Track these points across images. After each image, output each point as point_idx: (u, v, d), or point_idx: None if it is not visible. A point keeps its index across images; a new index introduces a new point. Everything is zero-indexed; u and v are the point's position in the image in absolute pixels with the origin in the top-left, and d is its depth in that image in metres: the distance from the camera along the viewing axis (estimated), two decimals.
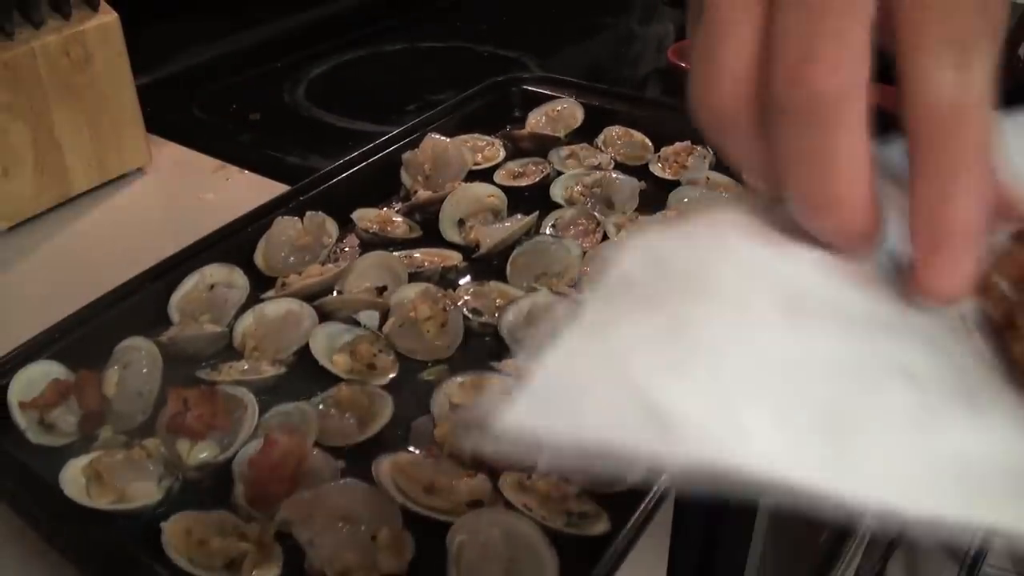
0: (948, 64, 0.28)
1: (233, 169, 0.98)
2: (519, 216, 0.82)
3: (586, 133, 0.96)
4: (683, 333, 0.30)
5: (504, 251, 0.78)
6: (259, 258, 0.77)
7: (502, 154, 0.93)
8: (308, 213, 0.80)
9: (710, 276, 0.32)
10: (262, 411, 0.62)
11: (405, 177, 0.89)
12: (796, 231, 0.33)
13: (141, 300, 0.71)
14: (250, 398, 0.62)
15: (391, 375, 0.67)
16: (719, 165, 0.90)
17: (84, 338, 0.67)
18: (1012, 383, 0.32)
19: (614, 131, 0.96)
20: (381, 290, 0.74)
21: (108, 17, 0.88)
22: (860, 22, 0.28)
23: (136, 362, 0.65)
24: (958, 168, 0.29)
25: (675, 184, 0.87)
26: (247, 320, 0.71)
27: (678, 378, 0.28)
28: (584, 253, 0.77)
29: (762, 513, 0.75)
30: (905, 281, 0.32)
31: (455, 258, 0.79)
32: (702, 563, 0.71)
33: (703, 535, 0.70)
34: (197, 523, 0.54)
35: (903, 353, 0.31)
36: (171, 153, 1.02)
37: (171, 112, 1.11)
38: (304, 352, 0.68)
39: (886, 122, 0.31)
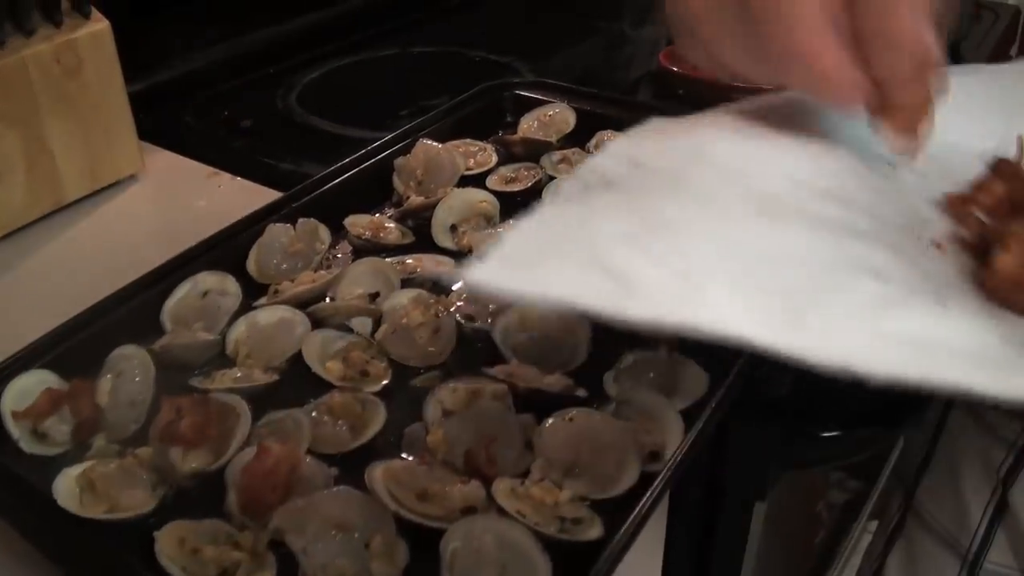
0: None
1: (225, 176, 0.98)
2: (512, 222, 0.82)
3: (578, 138, 0.96)
4: (655, 220, 0.31)
5: None
6: (251, 265, 0.77)
7: (494, 159, 0.94)
8: (300, 220, 0.80)
9: (687, 177, 0.33)
10: (255, 419, 0.62)
11: (397, 183, 0.89)
12: (771, 138, 0.35)
13: (134, 308, 0.71)
14: (243, 406, 0.62)
15: (384, 382, 0.67)
16: None
17: (77, 347, 0.67)
18: (978, 297, 0.34)
19: (606, 135, 0.96)
20: (374, 296, 0.74)
21: (100, 24, 0.88)
22: None
23: (129, 370, 0.65)
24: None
25: None
26: (240, 327, 0.71)
27: (642, 251, 0.30)
28: None
29: (757, 515, 0.76)
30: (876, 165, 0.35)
31: (448, 264, 0.79)
32: (697, 568, 0.71)
33: (697, 540, 0.70)
34: (190, 532, 0.54)
35: (872, 256, 0.32)
36: (163, 160, 1.02)
37: (163, 119, 1.11)
38: (297, 359, 0.68)
39: None
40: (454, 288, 0.76)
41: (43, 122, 0.85)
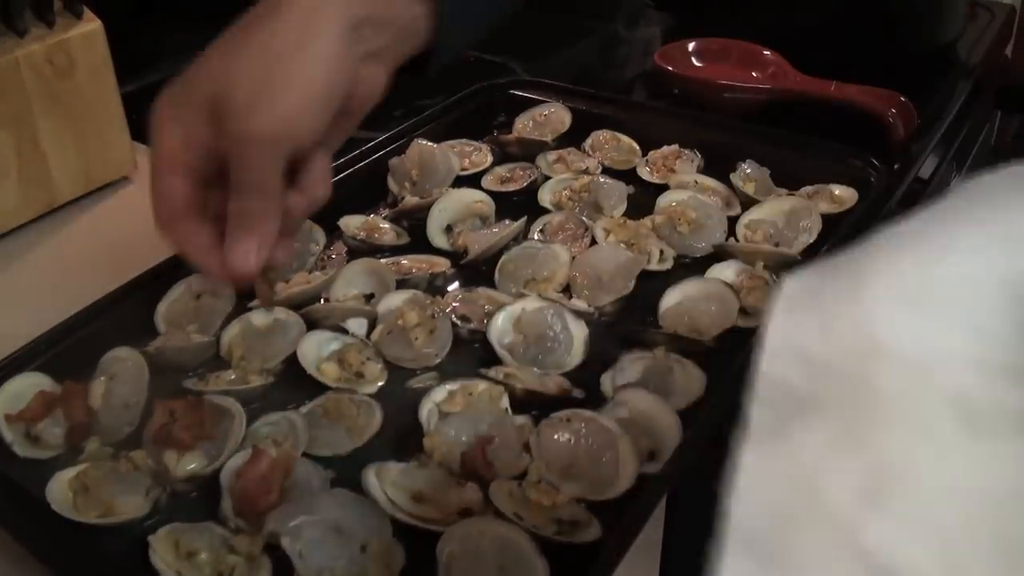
0: None
1: None
2: (507, 221, 0.82)
3: (573, 137, 0.96)
4: (878, 462, 0.26)
5: (492, 257, 0.78)
6: None
7: (489, 159, 0.93)
8: None
9: (874, 383, 0.28)
10: (250, 421, 0.62)
11: (392, 183, 0.88)
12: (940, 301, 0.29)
13: (127, 310, 0.71)
14: (237, 408, 0.62)
15: (379, 383, 0.67)
16: (707, 168, 0.90)
17: (70, 349, 0.67)
18: None
19: (601, 135, 0.96)
20: (369, 297, 0.74)
21: (92, 25, 0.88)
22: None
23: (122, 373, 0.64)
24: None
25: (663, 188, 0.87)
26: (234, 329, 0.70)
27: (894, 518, 0.25)
28: (573, 258, 0.77)
29: None
30: None
31: (443, 264, 0.79)
32: (695, 569, 0.71)
33: (696, 541, 0.69)
34: (185, 535, 0.54)
35: None
36: None
37: None
38: (292, 361, 0.67)
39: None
40: (449, 289, 0.76)
41: (35, 123, 0.85)
